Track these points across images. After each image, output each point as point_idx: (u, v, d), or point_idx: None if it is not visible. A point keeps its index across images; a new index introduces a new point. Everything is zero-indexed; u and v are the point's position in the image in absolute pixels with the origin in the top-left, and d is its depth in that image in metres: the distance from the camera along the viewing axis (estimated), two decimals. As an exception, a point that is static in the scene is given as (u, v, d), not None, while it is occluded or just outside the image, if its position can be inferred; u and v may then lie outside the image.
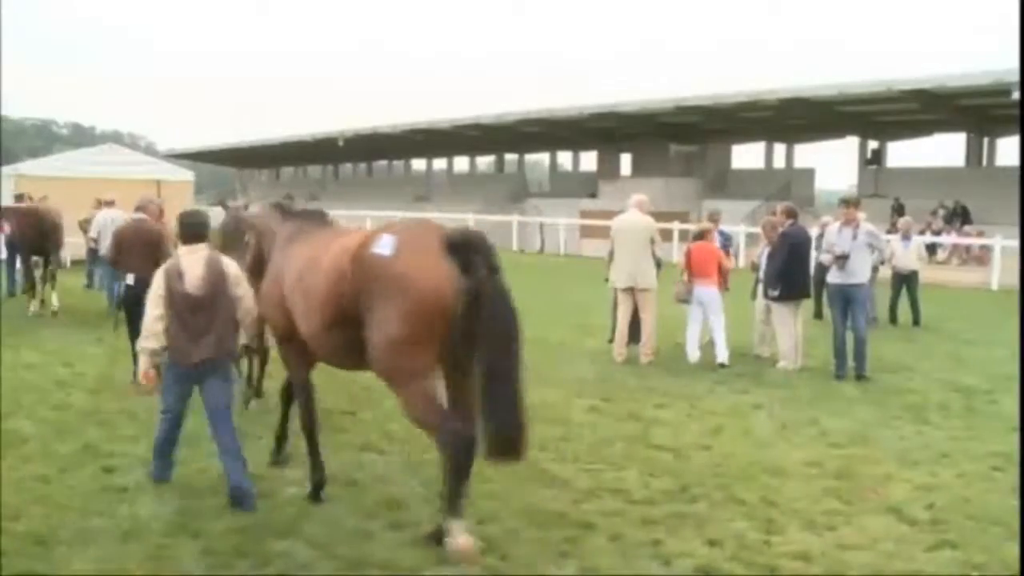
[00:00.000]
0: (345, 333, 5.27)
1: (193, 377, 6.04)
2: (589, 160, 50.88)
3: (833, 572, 5.07)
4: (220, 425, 6.03)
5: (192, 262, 6.04)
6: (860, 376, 10.28)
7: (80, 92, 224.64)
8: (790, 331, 10.85)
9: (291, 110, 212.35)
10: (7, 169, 23.44)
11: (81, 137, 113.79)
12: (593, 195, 41.31)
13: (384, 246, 5.10)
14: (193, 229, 6.22)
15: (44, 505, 5.78)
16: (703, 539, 5.45)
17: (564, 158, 55.14)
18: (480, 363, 4.91)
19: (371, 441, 7.38)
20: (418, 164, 62.42)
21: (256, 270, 6.67)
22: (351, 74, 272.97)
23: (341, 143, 51.92)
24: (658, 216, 12.83)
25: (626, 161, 46.71)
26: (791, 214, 11.52)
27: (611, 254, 11.61)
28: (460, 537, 4.90)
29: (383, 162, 65.83)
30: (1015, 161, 33.79)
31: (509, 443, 4.93)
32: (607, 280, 11.82)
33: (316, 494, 5.97)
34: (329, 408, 8.31)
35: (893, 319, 15.09)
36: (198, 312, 5.93)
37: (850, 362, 10.42)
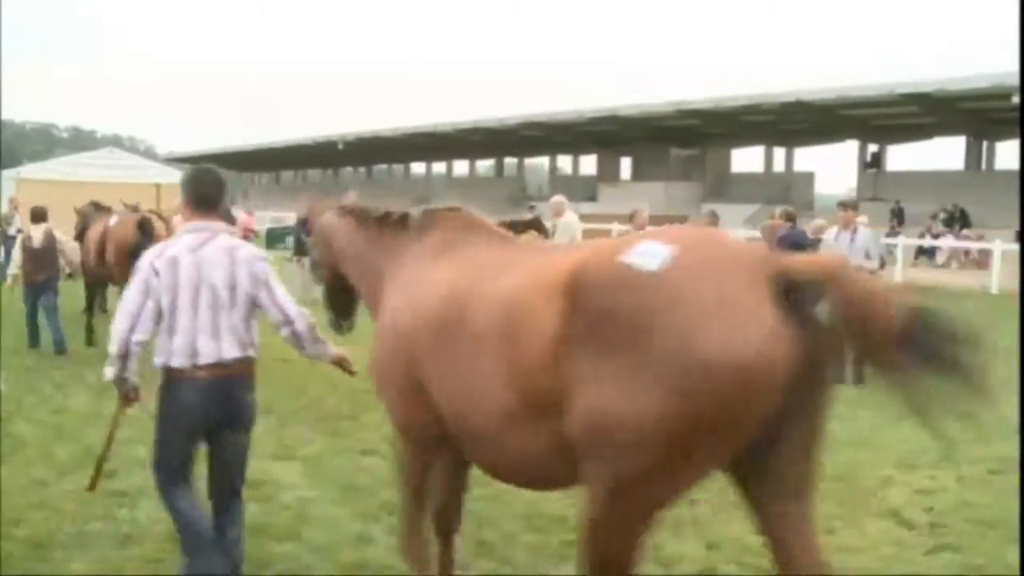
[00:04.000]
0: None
1: (36, 291, 11.45)
2: (589, 164, 50.98)
3: (833, 575, 5.06)
4: (49, 316, 11.44)
5: (37, 232, 11.48)
6: (859, 380, 10.26)
7: (81, 96, 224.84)
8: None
9: (292, 115, 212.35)
10: (8, 172, 23.46)
11: (82, 141, 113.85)
12: (593, 199, 41.36)
13: (116, 221, 11.63)
14: (38, 214, 11.74)
15: (43, 509, 5.79)
16: (703, 542, 5.45)
17: (564, 162, 55.21)
18: None
19: (372, 445, 7.38)
20: (418, 168, 62.55)
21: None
22: (353, 80, 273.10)
23: (341, 147, 52.06)
24: (658, 220, 12.88)
25: (626, 165, 46.83)
26: (789, 218, 11.54)
27: None
28: None
29: (383, 166, 65.92)
30: (1015, 165, 33.88)
31: None
32: None
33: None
34: (330, 412, 8.32)
35: None
36: (38, 257, 11.41)
37: (849, 366, 10.40)
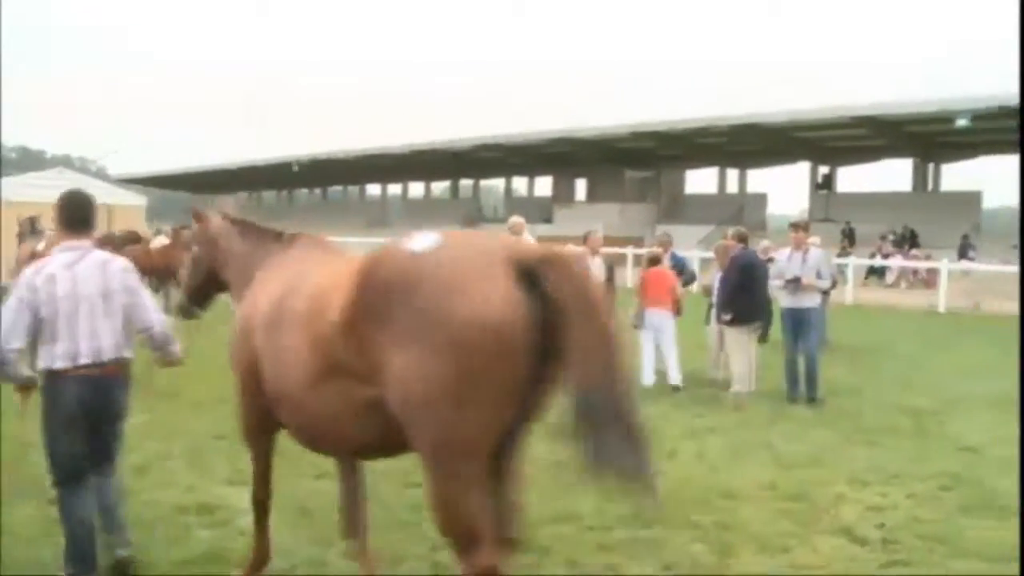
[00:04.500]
0: None
1: None
2: (544, 185, 51.20)
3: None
4: None
5: None
6: (812, 399, 10.40)
7: (29, 115, 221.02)
8: (744, 355, 10.92)
9: (256, 132, 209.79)
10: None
11: (30, 161, 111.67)
12: (548, 220, 41.50)
13: (44, 245, 10.01)
14: None
15: (-9, 537, 5.65)
16: (659, 563, 5.46)
17: (519, 183, 55.41)
18: None
19: (326, 468, 7.27)
20: (373, 189, 62.35)
21: None
22: (345, 83, 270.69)
23: (296, 168, 51.75)
24: (613, 241, 12.96)
25: (581, 186, 47.06)
26: (741, 239, 11.67)
27: None
28: None
29: (338, 187, 65.65)
30: (959, 186, 34.67)
31: None
32: None
33: None
34: (283, 436, 8.20)
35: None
36: None
37: (802, 385, 10.54)
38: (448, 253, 3.53)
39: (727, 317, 10.97)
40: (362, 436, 3.93)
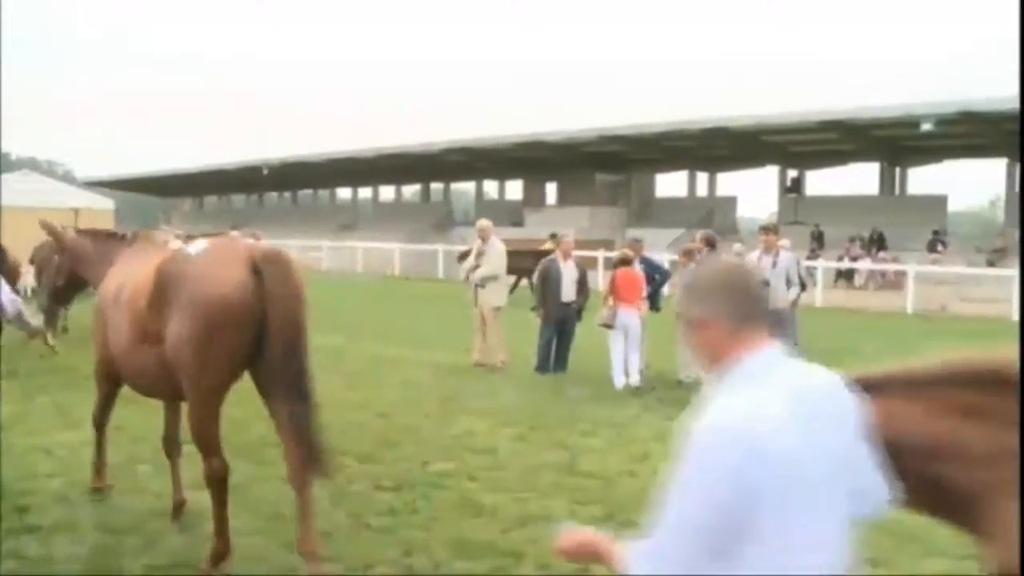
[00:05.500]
0: None
1: None
2: (515, 189, 51.17)
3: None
4: None
5: None
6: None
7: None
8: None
9: (227, 134, 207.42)
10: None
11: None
12: (519, 224, 41.50)
13: None
14: None
15: (-48, 546, 5.56)
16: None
17: (490, 187, 55.33)
18: None
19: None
20: (343, 193, 62.05)
21: None
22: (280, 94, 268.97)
23: (265, 172, 51.45)
24: (583, 244, 13.01)
25: (551, 190, 47.09)
26: (709, 242, 11.73)
27: (488, 278, 12.78)
28: None
29: (308, 191, 65.28)
30: (925, 190, 35.07)
31: None
32: (532, 309, 12.42)
33: None
34: (255, 439, 8.16)
35: None
36: None
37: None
38: (207, 254, 5.15)
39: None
40: (167, 385, 5.31)
